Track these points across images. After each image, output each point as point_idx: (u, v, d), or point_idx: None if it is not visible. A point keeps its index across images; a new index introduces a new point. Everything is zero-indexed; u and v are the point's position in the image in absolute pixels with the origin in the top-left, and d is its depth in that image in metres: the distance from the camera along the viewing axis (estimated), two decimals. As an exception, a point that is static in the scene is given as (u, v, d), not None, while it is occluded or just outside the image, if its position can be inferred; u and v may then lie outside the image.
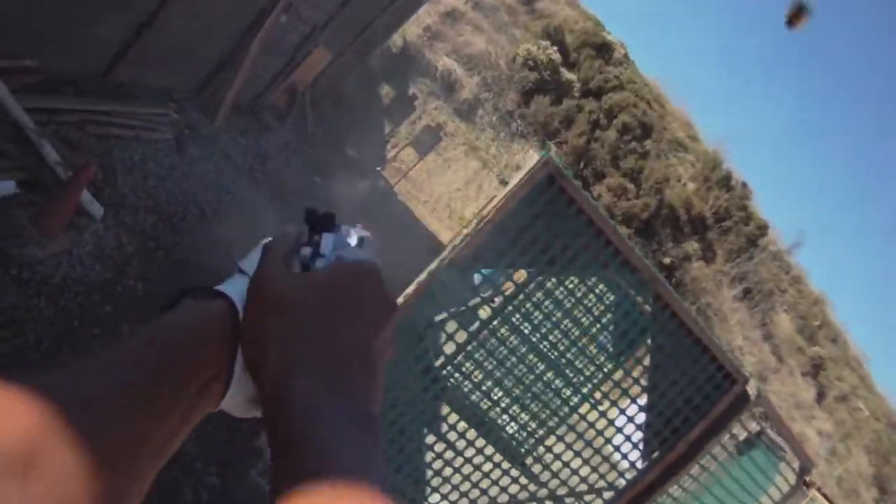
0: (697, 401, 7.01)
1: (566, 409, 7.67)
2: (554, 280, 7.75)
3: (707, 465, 7.48)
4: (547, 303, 7.87)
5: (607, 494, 7.34)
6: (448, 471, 7.08)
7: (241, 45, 13.54)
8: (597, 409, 7.35)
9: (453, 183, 27.25)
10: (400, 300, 6.12)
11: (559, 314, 7.99)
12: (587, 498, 7.35)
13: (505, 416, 8.27)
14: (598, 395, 7.46)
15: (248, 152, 13.70)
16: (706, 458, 7.40)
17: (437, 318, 7.87)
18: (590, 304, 7.87)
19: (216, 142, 12.64)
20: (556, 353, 8.57)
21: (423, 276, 6.23)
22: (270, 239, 1.17)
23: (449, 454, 7.03)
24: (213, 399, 1.07)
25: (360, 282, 1.12)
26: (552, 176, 6.02)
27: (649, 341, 7.30)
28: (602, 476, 7.37)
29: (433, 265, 6.29)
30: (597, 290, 7.92)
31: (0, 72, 8.39)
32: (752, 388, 7.00)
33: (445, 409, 7.60)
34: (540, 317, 7.92)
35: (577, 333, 8.08)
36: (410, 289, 6.26)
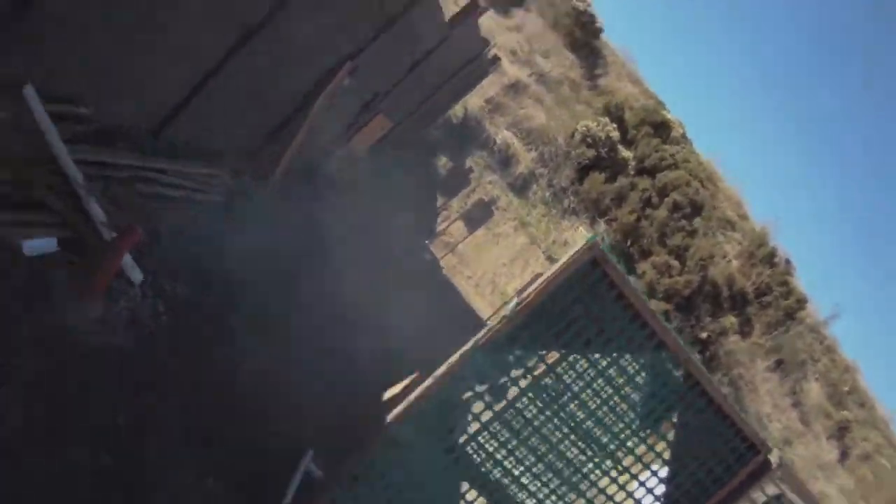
0: (719, 472, 7.04)
1: (587, 484, 7.52)
2: (584, 361, 7.66)
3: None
4: (576, 382, 7.76)
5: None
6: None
7: (302, 108, 13.21)
8: (617, 483, 7.29)
9: (500, 259, 26.83)
10: (430, 381, 6.26)
11: (588, 392, 7.83)
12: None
13: (524, 493, 8.14)
14: (619, 469, 7.41)
15: (299, 219, 13.41)
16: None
17: (465, 395, 7.62)
18: (619, 384, 7.74)
19: (268, 208, 12.30)
20: (581, 431, 8.16)
21: (454, 358, 6.27)
22: None
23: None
24: None
25: None
26: (596, 260, 6.08)
27: (675, 418, 7.38)
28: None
29: (466, 346, 6.31)
30: (629, 370, 7.82)
31: (54, 118, 8.02)
32: (773, 457, 7.04)
33: (465, 486, 7.63)
34: (568, 395, 7.78)
35: (604, 410, 7.89)
36: (441, 370, 6.28)
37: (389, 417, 6.41)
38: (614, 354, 7.65)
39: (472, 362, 6.21)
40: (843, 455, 40.74)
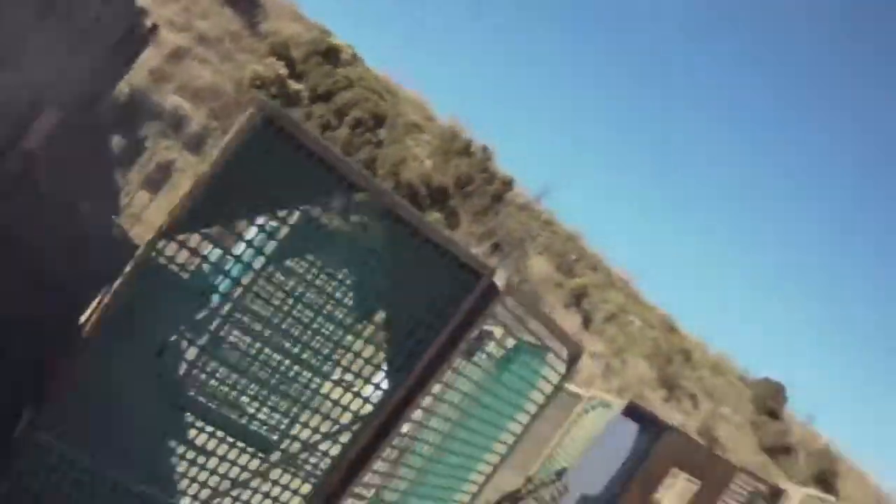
0: (441, 306, 6.22)
1: (308, 395, 6.95)
2: (277, 273, 7.63)
3: (469, 374, 7.03)
4: (276, 293, 7.39)
5: (352, 430, 6.45)
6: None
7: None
8: (342, 386, 6.58)
9: (186, 212, 26.36)
10: (119, 280, 5.64)
11: (288, 300, 7.41)
12: (323, 446, 6.50)
13: (249, 420, 7.99)
14: (342, 370, 6.63)
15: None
16: (470, 367, 7.07)
17: (171, 338, 6.54)
18: (317, 283, 7.78)
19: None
20: (288, 343, 7.54)
21: (140, 251, 5.66)
22: None
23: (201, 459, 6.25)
24: None
25: None
26: (270, 117, 5.26)
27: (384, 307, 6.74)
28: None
29: (150, 240, 5.47)
30: (328, 269, 7.88)
31: None
32: (500, 279, 6.34)
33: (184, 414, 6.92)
34: (270, 310, 7.18)
35: (307, 315, 7.24)
36: (128, 267, 5.63)
37: (85, 330, 5.59)
38: (310, 249, 7.56)
39: (152, 249, 5.30)
40: (586, 320, 42.07)
